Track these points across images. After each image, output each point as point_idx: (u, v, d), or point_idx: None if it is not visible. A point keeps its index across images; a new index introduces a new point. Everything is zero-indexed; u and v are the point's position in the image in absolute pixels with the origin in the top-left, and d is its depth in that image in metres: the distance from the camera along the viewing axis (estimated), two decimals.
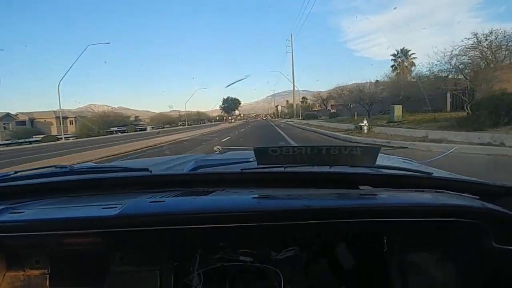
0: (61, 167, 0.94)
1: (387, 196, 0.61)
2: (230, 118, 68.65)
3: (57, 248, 0.62)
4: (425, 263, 0.61)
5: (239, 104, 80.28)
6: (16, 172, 0.93)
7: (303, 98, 77.17)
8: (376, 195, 0.62)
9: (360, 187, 0.71)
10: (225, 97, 77.98)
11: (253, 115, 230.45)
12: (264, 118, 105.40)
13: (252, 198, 0.59)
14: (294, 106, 58.53)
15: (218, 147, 1.78)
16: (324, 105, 50.02)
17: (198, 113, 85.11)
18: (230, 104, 78.46)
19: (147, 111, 65.27)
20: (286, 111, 76.42)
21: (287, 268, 0.65)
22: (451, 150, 3.10)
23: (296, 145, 0.70)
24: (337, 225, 0.57)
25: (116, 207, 0.58)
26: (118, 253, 0.62)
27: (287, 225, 0.56)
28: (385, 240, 0.59)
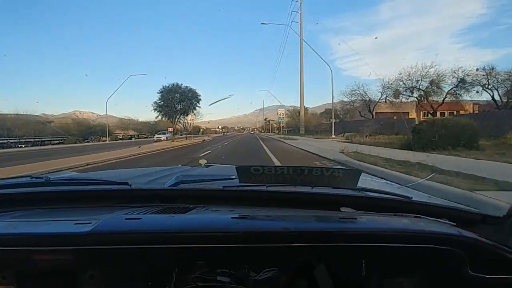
0: (36, 178, 0.92)
1: (366, 221, 0.62)
2: (170, 131, 29.38)
3: (26, 264, 0.59)
4: None
5: (198, 101, 26.92)
6: None
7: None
8: (356, 219, 0.62)
9: (341, 208, 0.72)
10: (167, 85, 27.03)
11: (239, 128, 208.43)
12: (252, 132, 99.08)
13: (231, 218, 0.59)
14: (302, 113, 33.28)
15: (204, 160, 1.69)
16: (370, 111, 24.32)
17: (157, 122, 58.58)
18: (173, 102, 25.57)
19: (131, 119, 60.97)
20: (282, 124, 52.55)
21: None
22: (430, 176, 3.14)
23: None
24: (315, 248, 0.57)
25: (90, 223, 0.56)
26: (89, 271, 0.59)
27: (265, 246, 0.56)
28: (363, 264, 0.59)
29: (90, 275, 0.59)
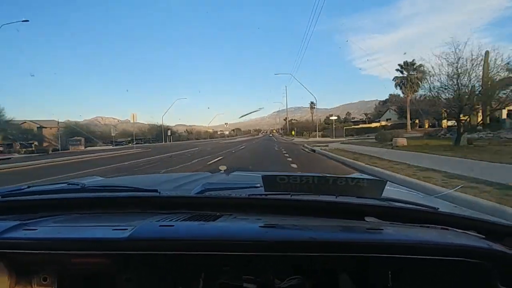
0: (73, 184, 0.98)
1: (393, 232, 0.62)
2: None
3: (65, 266, 0.63)
4: None
5: None
6: (29, 187, 0.96)
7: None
8: (382, 229, 0.61)
9: (366, 218, 0.71)
10: None
11: (254, 130, 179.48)
12: (270, 135, 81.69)
13: (260, 227, 0.60)
14: None
15: (224, 166, 1.70)
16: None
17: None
18: None
19: (154, 124, 53.84)
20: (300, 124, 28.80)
21: None
22: (459, 187, 3.16)
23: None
24: (342, 257, 0.57)
25: (126, 229, 0.59)
26: (124, 275, 0.62)
27: (292, 255, 0.57)
28: (389, 275, 0.58)
29: (126, 279, 0.61)
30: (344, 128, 34.00)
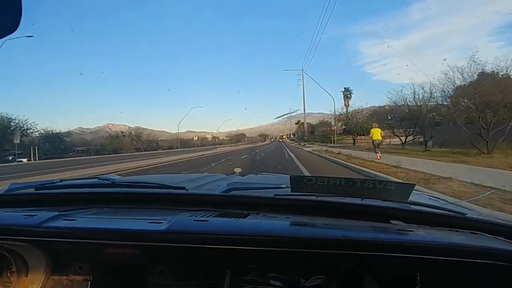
0: (103, 179, 1.01)
1: (423, 233, 0.62)
2: None
3: (102, 256, 0.65)
4: None
5: None
6: (61, 181, 0.98)
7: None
8: (413, 231, 0.61)
9: (392, 221, 0.71)
10: None
11: (260, 135, 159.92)
12: (280, 141, 73.23)
13: (291, 224, 0.61)
14: None
15: (239, 168, 1.76)
16: None
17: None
18: None
19: (163, 131, 46.38)
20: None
21: None
22: (487, 193, 3.03)
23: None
24: (372, 257, 0.57)
25: (162, 223, 0.61)
26: (158, 267, 0.64)
27: (322, 253, 0.58)
28: (418, 277, 0.58)
29: (160, 270, 0.63)
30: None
